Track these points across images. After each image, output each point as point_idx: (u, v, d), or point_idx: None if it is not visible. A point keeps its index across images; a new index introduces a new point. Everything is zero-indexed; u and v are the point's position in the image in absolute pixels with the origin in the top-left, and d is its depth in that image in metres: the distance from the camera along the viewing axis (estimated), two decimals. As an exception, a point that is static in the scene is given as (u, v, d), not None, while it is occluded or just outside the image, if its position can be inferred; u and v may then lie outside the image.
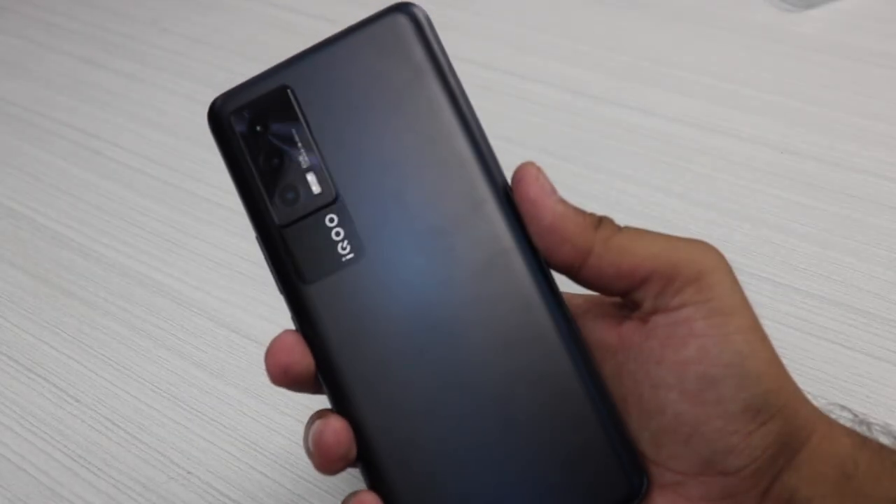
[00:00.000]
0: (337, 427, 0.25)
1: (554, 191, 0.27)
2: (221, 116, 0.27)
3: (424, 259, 0.26)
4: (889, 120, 0.57)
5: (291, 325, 0.28)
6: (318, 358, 0.26)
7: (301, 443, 0.42)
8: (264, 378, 0.45)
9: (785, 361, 0.26)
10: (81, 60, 0.70)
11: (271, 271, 0.27)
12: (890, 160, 0.54)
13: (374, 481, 0.25)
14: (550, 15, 0.70)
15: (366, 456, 0.25)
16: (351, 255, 0.26)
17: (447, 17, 0.71)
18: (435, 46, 0.27)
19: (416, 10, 0.27)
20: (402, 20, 0.27)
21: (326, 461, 0.25)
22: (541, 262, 0.26)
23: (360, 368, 0.25)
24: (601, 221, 0.27)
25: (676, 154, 0.56)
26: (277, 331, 0.47)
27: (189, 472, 0.41)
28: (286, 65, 0.27)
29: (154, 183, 0.57)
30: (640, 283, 0.26)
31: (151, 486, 0.41)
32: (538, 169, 0.27)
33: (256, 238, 0.27)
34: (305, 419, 0.42)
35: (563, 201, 0.27)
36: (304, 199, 0.26)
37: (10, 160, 0.61)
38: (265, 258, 0.27)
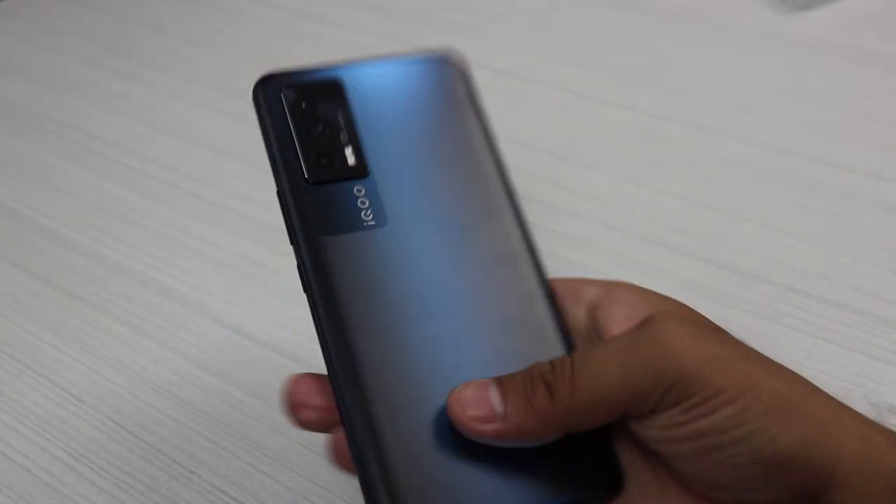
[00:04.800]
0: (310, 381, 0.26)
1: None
2: (272, 86, 0.29)
3: (439, 243, 0.27)
4: (888, 121, 0.57)
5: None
6: (323, 309, 0.26)
7: (304, 443, 0.42)
8: (265, 378, 0.45)
9: (784, 362, 0.26)
10: (83, 62, 0.71)
11: (289, 220, 0.27)
12: (888, 161, 0.54)
13: (359, 444, 0.25)
14: (550, 15, 0.70)
15: (357, 417, 0.25)
16: (373, 223, 0.27)
17: (447, 19, 0.71)
18: (473, 88, 0.30)
19: (461, 57, 0.31)
20: (452, 61, 0.31)
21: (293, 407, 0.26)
22: (543, 272, 0.28)
23: (363, 326, 0.26)
24: (534, 387, 0.24)
25: (676, 154, 0.56)
26: (278, 330, 0.47)
27: (191, 472, 0.41)
28: (343, 65, 0.30)
29: (155, 184, 0.58)
30: (621, 414, 0.24)
31: (154, 485, 0.41)
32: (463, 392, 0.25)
33: (278, 192, 0.28)
34: (307, 419, 0.43)
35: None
36: (338, 165, 0.28)
37: (12, 161, 0.61)
38: (285, 207, 0.27)
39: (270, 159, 0.28)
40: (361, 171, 0.28)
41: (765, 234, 0.50)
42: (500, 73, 0.64)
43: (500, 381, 0.25)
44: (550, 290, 0.28)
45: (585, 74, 0.64)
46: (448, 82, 0.30)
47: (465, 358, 0.26)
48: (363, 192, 0.28)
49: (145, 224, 0.55)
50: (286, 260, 0.51)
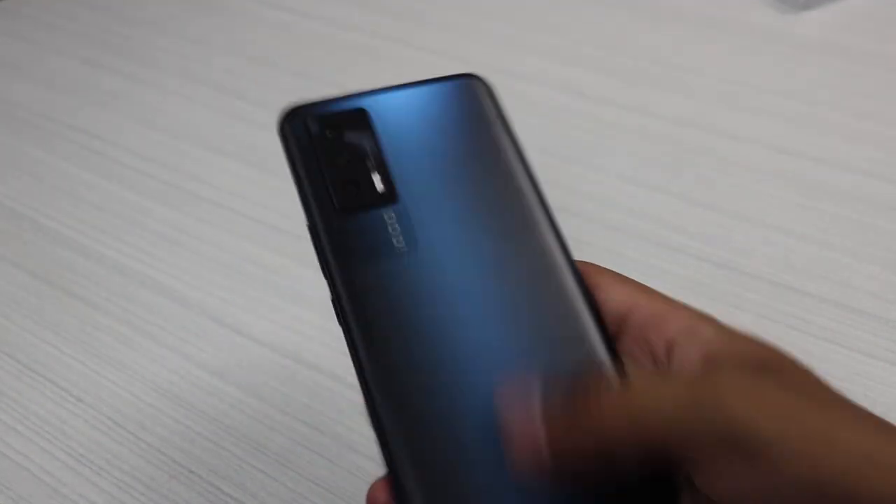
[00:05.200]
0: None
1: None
2: (297, 119, 0.29)
3: (472, 270, 0.27)
4: (887, 121, 0.57)
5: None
6: (357, 338, 0.26)
7: (304, 443, 0.42)
8: (265, 378, 0.45)
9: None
10: (83, 62, 0.71)
11: (321, 252, 0.27)
12: (888, 161, 0.54)
13: (393, 468, 0.25)
14: (550, 15, 0.70)
15: (384, 439, 0.25)
16: (403, 250, 0.27)
17: (446, 19, 0.71)
18: (501, 107, 0.30)
19: (487, 82, 0.31)
20: (478, 83, 0.31)
21: None
22: (587, 291, 0.27)
23: (402, 360, 0.26)
24: (585, 391, 0.23)
25: (676, 154, 0.56)
26: (278, 330, 0.47)
27: (191, 472, 0.41)
28: (365, 93, 0.30)
29: (155, 183, 0.58)
30: (663, 452, 0.22)
31: (153, 485, 0.41)
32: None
33: (308, 226, 0.28)
34: (306, 418, 0.43)
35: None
36: (367, 192, 0.28)
37: (12, 161, 0.61)
38: (317, 238, 0.27)
39: (299, 191, 0.28)
40: (390, 196, 0.28)
41: (765, 234, 0.50)
42: (500, 73, 0.64)
43: (548, 380, 0.24)
44: (596, 310, 0.27)
45: (585, 74, 0.64)
46: (474, 103, 0.30)
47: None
48: (393, 218, 0.28)
49: (145, 224, 0.55)
50: (286, 260, 0.51)
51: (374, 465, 0.41)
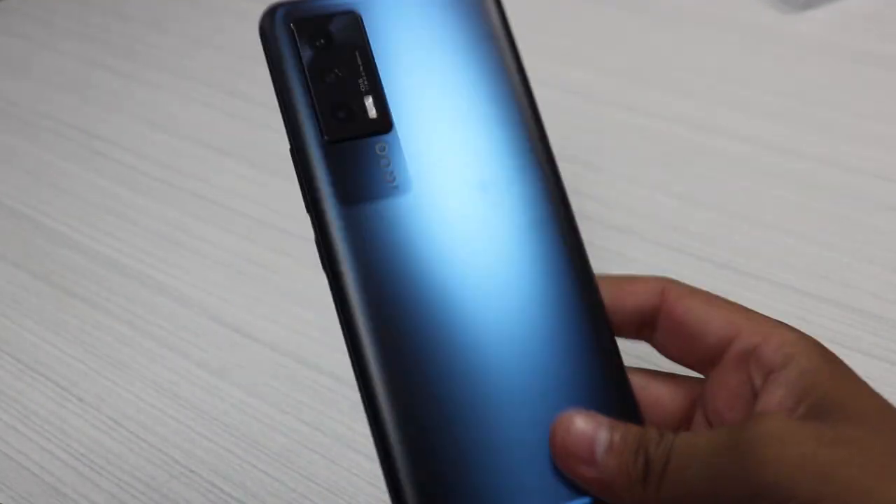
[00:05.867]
0: None
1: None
2: (281, 22, 0.26)
3: (468, 209, 0.25)
4: (888, 120, 0.57)
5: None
6: (340, 286, 0.24)
7: (304, 442, 0.42)
8: (265, 377, 0.45)
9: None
10: (82, 60, 0.71)
11: (305, 188, 0.25)
12: (889, 160, 0.54)
13: (381, 435, 0.23)
14: (550, 15, 0.70)
15: (375, 403, 0.23)
16: (396, 186, 0.25)
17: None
18: (506, 17, 0.28)
19: None
20: None
21: None
22: (578, 237, 0.26)
23: (386, 305, 0.24)
24: (637, 457, 0.23)
25: (676, 154, 0.56)
26: (278, 330, 0.47)
27: (191, 471, 0.41)
28: None
29: (155, 183, 0.58)
30: None
31: (154, 484, 0.41)
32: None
33: (292, 151, 0.25)
34: (307, 418, 0.43)
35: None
36: (359, 120, 0.25)
37: (11, 160, 0.61)
38: (300, 173, 0.25)
39: (282, 110, 0.25)
40: (384, 124, 0.25)
41: (765, 234, 0.50)
42: (500, 73, 0.64)
43: (613, 429, 0.23)
44: (594, 283, 0.26)
45: (585, 74, 0.64)
46: (478, 12, 0.27)
47: (508, 359, 0.24)
48: (385, 149, 0.25)
49: (145, 223, 0.55)
50: (286, 259, 0.51)
51: (374, 465, 0.41)
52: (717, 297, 0.26)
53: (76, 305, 0.50)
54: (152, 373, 0.46)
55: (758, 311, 0.26)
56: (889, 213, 0.51)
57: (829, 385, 0.23)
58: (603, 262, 0.49)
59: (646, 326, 0.26)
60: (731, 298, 0.46)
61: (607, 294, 0.26)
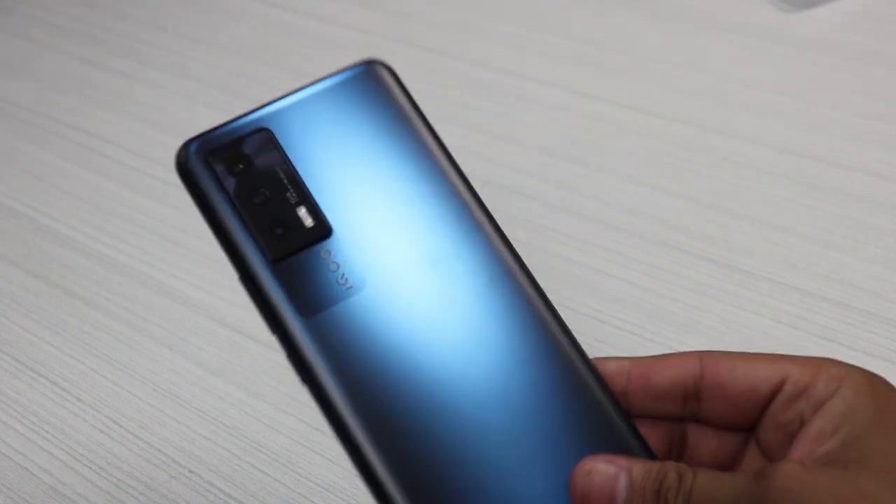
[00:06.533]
0: None
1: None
2: (196, 157, 0.26)
3: (425, 288, 0.25)
4: (889, 120, 0.57)
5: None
6: (319, 393, 0.24)
7: (304, 442, 0.42)
8: (265, 377, 0.45)
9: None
10: (82, 60, 0.71)
11: (262, 310, 0.25)
12: (889, 160, 0.54)
13: None
14: (550, 15, 0.70)
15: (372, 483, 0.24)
16: (350, 287, 0.25)
17: (446, 18, 0.71)
18: (409, 93, 0.27)
19: (387, 64, 0.28)
20: (379, 68, 0.27)
21: None
22: (537, 285, 0.26)
23: (365, 403, 0.24)
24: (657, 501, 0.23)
25: (676, 154, 0.56)
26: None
27: (191, 472, 0.41)
28: (262, 109, 0.27)
29: (155, 183, 0.58)
30: None
31: (153, 485, 0.41)
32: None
33: (241, 279, 0.25)
34: (306, 418, 0.43)
35: None
36: (298, 232, 0.25)
37: (12, 160, 0.61)
38: (255, 298, 0.25)
39: (221, 242, 0.26)
40: (322, 229, 0.25)
41: (766, 233, 0.50)
42: (500, 73, 0.64)
43: (632, 475, 0.23)
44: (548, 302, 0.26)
45: (585, 74, 0.63)
46: (382, 90, 0.27)
47: (501, 426, 0.24)
48: (331, 253, 0.25)
49: (145, 223, 0.55)
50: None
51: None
52: (757, 353, 0.25)
53: (76, 305, 0.50)
54: (152, 373, 0.46)
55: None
56: (890, 213, 0.51)
57: (868, 421, 0.23)
58: (603, 262, 0.48)
59: (690, 399, 0.26)
60: (732, 298, 0.46)
61: (643, 371, 0.25)
